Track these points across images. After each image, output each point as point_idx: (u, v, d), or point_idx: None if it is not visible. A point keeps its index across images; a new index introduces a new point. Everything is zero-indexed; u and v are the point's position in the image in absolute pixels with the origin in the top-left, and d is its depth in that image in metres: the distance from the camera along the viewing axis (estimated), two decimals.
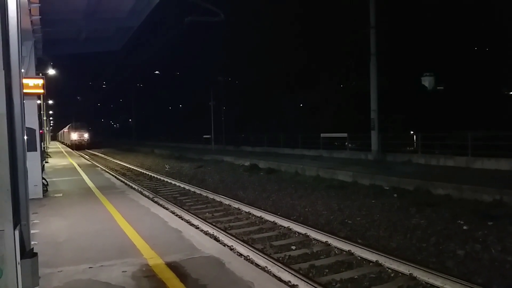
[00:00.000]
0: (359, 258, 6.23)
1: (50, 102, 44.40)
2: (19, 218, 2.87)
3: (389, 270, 5.70)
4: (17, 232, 2.65)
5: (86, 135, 53.31)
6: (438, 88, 43.15)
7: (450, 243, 6.88)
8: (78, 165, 20.76)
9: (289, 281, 5.25)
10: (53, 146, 55.01)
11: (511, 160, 13.10)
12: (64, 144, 64.13)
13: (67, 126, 61.75)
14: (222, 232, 7.60)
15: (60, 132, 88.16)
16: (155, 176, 18.23)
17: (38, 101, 15.02)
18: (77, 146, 49.68)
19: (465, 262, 6.09)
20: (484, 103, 31.02)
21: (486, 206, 9.27)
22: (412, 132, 23.64)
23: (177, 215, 8.90)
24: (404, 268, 5.58)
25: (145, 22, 15.10)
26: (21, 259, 2.73)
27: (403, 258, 5.92)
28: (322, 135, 23.47)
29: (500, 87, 35.43)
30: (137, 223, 7.08)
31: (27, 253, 2.94)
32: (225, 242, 6.99)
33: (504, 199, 9.44)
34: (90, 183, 12.88)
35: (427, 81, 44.21)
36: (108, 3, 12.61)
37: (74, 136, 51.60)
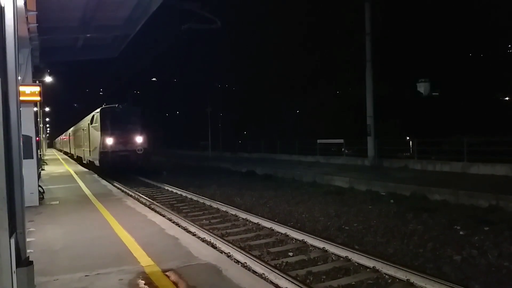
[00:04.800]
0: (356, 264, 6.22)
1: (47, 109, 44.35)
2: (15, 226, 2.87)
3: (386, 276, 5.69)
4: (12, 240, 2.65)
5: (141, 140, 21.46)
6: (433, 94, 43.46)
7: (447, 249, 6.89)
8: (75, 172, 20.66)
9: None
10: (49, 154, 54.43)
11: (507, 165, 13.18)
12: (72, 158, 35.09)
13: (87, 119, 25.35)
14: (219, 239, 7.58)
15: (59, 138, 65.14)
16: (152, 183, 18.17)
17: (35, 109, 15.00)
18: (116, 164, 20.23)
19: (462, 268, 6.09)
20: (479, 108, 31.25)
21: (483, 211, 9.32)
22: (408, 138, 23.76)
23: (174, 222, 8.86)
24: (401, 274, 5.57)
25: (142, 29, 15.16)
26: (16, 267, 2.72)
27: (400, 264, 5.92)
28: (318, 141, 23.54)
29: (494, 92, 35.69)
30: (134, 230, 7.05)
31: (23, 262, 2.93)
32: (222, 249, 6.96)
33: (500, 204, 9.49)
34: (86, 190, 12.82)
35: (422, 87, 44.53)
36: (105, 12, 12.67)
37: (110, 141, 20.61)
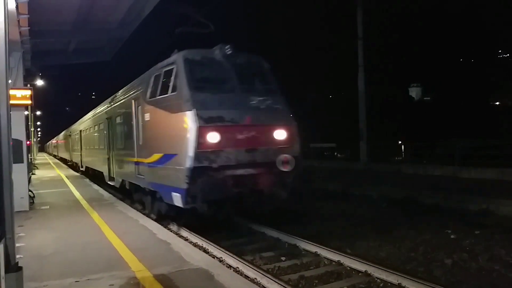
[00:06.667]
0: (348, 268, 6.23)
1: (38, 113, 44.00)
2: (4, 231, 2.84)
3: (378, 280, 5.71)
4: (1, 246, 2.62)
5: (285, 136, 7.82)
6: (425, 98, 43.93)
7: (438, 252, 6.93)
8: (66, 176, 20.48)
9: None
10: (41, 158, 53.87)
11: (497, 169, 13.33)
12: (73, 168, 25.55)
13: (125, 93, 11.27)
14: (211, 243, 7.54)
15: (52, 142, 56.18)
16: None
17: (26, 112, 14.87)
18: (225, 198, 7.38)
19: (453, 271, 6.13)
20: (470, 112, 31.62)
21: (474, 215, 9.40)
22: (400, 142, 23.94)
23: (166, 227, 8.80)
24: (393, 278, 5.59)
25: (136, 33, 15.12)
26: (5, 273, 2.69)
27: (392, 268, 5.94)
28: (311, 145, 23.63)
29: (485, 97, 36.15)
30: (125, 235, 7.00)
31: (12, 267, 2.90)
32: (214, 254, 6.93)
33: (490, 208, 9.59)
34: (77, 195, 12.72)
35: (414, 92, 44.99)
36: (98, 15, 12.64)
37: (214, 138, 7.14)
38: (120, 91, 12.53)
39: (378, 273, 5.80)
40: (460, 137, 21.60)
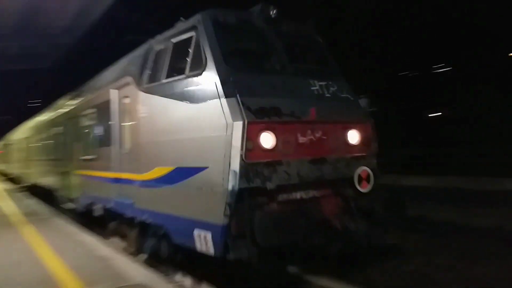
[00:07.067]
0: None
1: None
2: None
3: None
4: None
5: (358, 139, 5.76)
6: (370, 109, 45.98)
7: (375, 258, 7.14)
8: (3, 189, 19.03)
9: None
10: None
11: (434, 177, 14.21)
12: (14, 182, 22.30)
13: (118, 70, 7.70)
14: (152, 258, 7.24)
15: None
16: None
17: None
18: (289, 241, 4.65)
19: (389, 276, 6.37)
20: (412, 123, 33.54)
21: (412, 221, 9.87)
22: None
23: (105, 242, 8.37)
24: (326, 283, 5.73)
25: (83, 40, 14.64)
26: None
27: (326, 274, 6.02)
28: None
29: (424, 110, 38.47)
30: (60, 252, 6.60)
31: None
32: (156, 269, 6.69)
33: (428, 214, 10.17)
34: (8, 210, 11.83)
35: (362, 103, 47.04)
36: (42, 19, 12.21)
37: (267, 141, 4.68)
38: (89, 82, 9.92)
39: (309, 278, 5.89)
40: (401, 147, 22.82)
